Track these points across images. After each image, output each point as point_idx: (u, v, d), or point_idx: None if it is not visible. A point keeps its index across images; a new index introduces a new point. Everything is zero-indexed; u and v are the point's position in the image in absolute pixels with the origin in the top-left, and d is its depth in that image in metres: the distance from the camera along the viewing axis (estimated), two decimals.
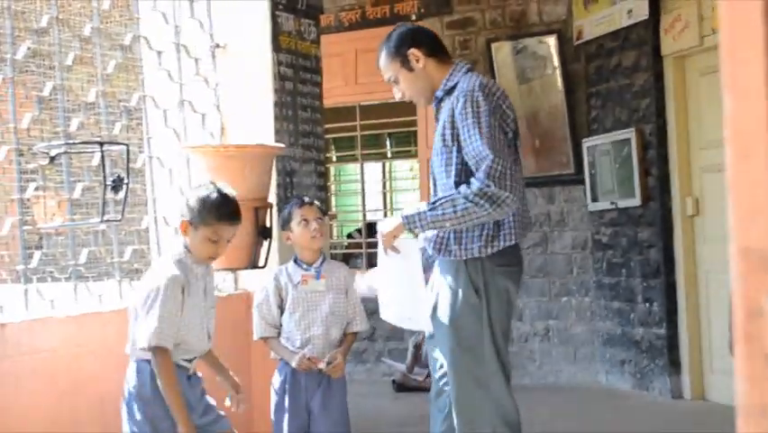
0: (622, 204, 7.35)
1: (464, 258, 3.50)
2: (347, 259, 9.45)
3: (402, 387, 7.60)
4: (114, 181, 3.92)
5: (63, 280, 4.49)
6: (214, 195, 3.35)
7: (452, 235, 3.50)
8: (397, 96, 3.74)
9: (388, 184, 11.41)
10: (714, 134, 6.44)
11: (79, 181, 4.25)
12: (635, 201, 7.16)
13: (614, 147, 7.36)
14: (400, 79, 3.65)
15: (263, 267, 4.27)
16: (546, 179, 8.09)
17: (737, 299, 1.10)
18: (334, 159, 10.93)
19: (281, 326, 4.14)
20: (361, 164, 9.61)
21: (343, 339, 4.19)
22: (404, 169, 11.81)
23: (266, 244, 4.26)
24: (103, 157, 3.89)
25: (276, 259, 4.42)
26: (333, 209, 10.71)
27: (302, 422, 4.11)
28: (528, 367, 8.16)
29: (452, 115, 3.48)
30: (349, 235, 10.70)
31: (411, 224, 3.44)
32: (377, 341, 8.50)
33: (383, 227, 3.61)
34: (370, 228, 10.63)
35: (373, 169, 11.26)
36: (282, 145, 4.62)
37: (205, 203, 3.32)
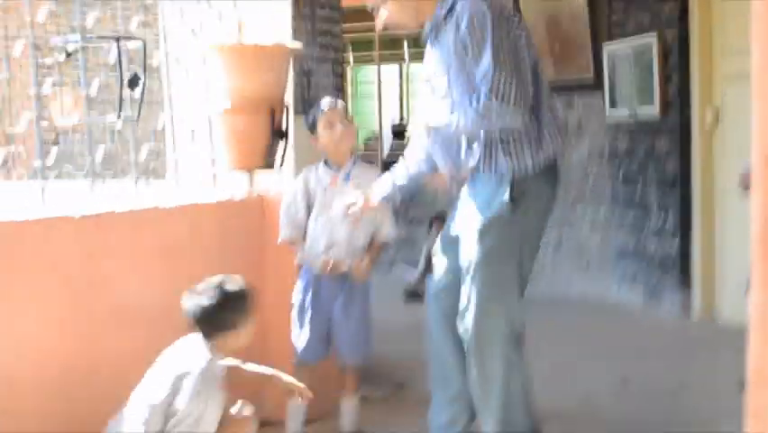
0: (641, 112, 7.27)
1: (513, 170, 3.43)
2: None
3: (413, 295, 7.64)
4: (130, 78, 3.90)
5: (80, 177, 4.49)
6: None
7: (500, 148, 3.44)
8: (379, 26, 3.59)
9: (405, 87, 11.32)
10: (738, 41, 6.28)
11: (96, 78, 4.22)
12: (654, 110, 7.08)
13: (635, 53, 7.24)
14: (386, 5, 3.48)
15: (279, 168, 4.26)
16: (565, 85, 7.99)
17: (755, 204, 1.10)
18: (352, 60, 10.83)
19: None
20: (378, 66, 9.51)
21: (371, 246, 4.17)
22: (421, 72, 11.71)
23: (281, 145, 4.24)
24: (119, 52, 3.86)
25: (291, 161, 4.41)
26: (350, 113, 10.65)
27: (324, 326, 4.13)
28: (539, 278, 8.17)
29: (453, 38, 3.34)
30: (365, 142, 10.66)
31: (406, 159, 3.56)
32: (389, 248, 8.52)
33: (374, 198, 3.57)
34: (394, 133, 10.60)
35: (390, 71, 11.15)
36: (300, 45, 4.57)
37: None
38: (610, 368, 5.63)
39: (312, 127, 4.16)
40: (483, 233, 3.44)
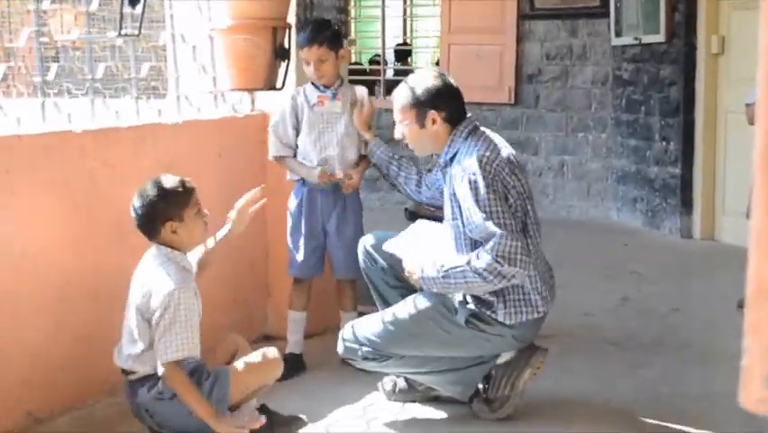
0: (646, 39, 7.22)
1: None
2: (367, 86, 9.35)
3: (414, 215, 7.66)
4: None
5: (80, 95, 4.47)
6: None
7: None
8: (397, 136, 3.68)
9: (409, 10, 11.21)
10: None
11: None
12: (660, 37, 7.03)
13: None
14: (409, 128, 3.59)
15: (280, 89, 4.25)
16: (570, 11, 7.93)
17: (760, 126, 1.09)
18: None
19: (296, 147, 4.16)
20: None
21: (360, 161, 4.21)
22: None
23: (283, 65, 4.22)
24: None
25: (293, 80, 4.39)
26: (353, 35, 10.55)
27: (318, 243, 4.19)
28: (541, 201, 8.20)
29: (455, 191, 3.49)
30: (370, 62, 10.58)
31: (426, 283, 3.47)
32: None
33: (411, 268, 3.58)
34: (396, 54, 10.53)
35: None
36: None
37: None
38: (611, 288, 5.69)
39: (299, 49, 4.14)
40: None
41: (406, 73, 9.82)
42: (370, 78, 9.57)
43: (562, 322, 4.54)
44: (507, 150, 3.54)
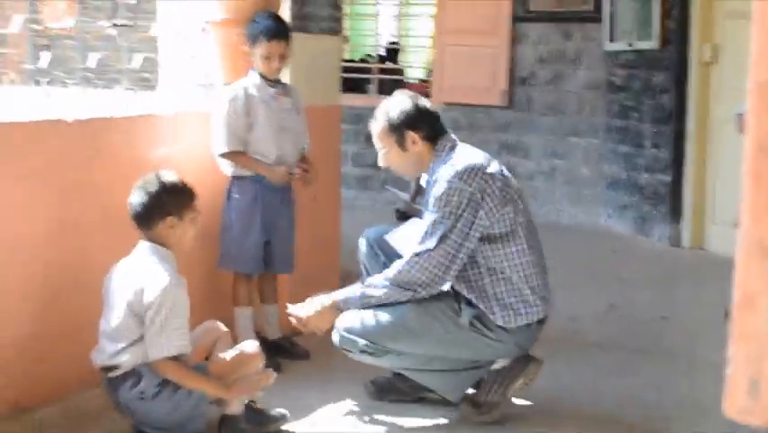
0: (639, 46, 7.23)
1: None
2: (359, 84, 9.34)
3: (405, 216, 7.64)
4: None
5: (71, 85, 4.45)
6: None
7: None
8: (381, 164, 3.75)
9: (403, 9, 11.19)
10: None
11: None
12: (653, 44, 7.04)
13: None
14: (390, 153, 3.65)
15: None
16: (564, 15, 7.93)
17: (749, 135, 1.09)
18: None
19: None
20: None
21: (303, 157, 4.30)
22: None
23: None
24: None
25: (286, 75, 4.38)
26: (347, 32, 10.53)
27: (266, 238, 4.22)
28: (531, 205, 8.17)
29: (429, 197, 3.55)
30: (362, 59, 10.55)
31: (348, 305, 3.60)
32: (381, 169, 8.52)
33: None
34: (388, 53, 10.51)
35: None
36: None
37: None
38: (598, 294, 5.70)
39: (252, 41, 4.11)
40: None
41: (396, 72, 9.80)
42: (360, 75, 9.53)
43: (548, 327, 4.51)
44: (488, 162, 3.57)
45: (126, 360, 3.19)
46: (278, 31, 4.08)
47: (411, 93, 3.80)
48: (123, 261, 3.29)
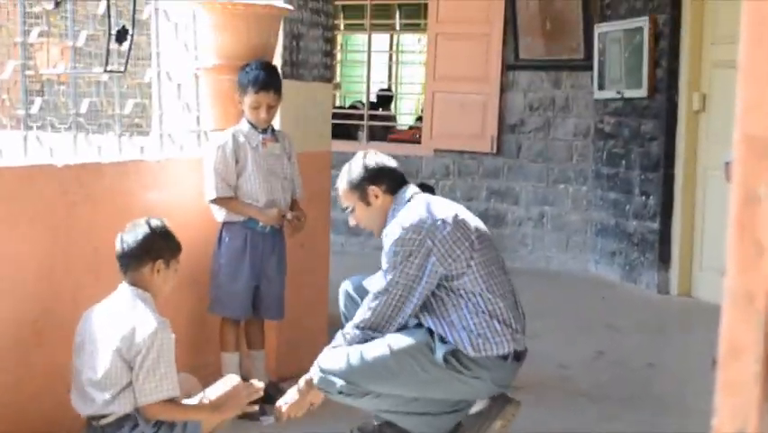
0: (628, 94, 7.29)
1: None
2: (349, 130, 9.38)
3: None
4: (118, 31, 3.87)
5: (63, 130, 4.46)
6: None
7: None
8: (351, 223, 3.81)
9: (395, 56, 11.29)
10: (728, 29, 6.32)
11: (84, 29, 4.18)
12: (642, 92, 7.11)
13: (626, 35, 7.26)
14: (357, 210, 3.71)
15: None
16: (554, 63, 8.00)
17: (736, 185, 1.10)
18: (342, 27, 10.79)
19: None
20: (369, 34, 9.48)
21: (293, 204, 4.33)
22: (412, 42, 11.66)
23: None
24: (109, 5, 3.83)
25: (277, 123, 4.40)
26: (338, 79, 10.60)
27: (255, 284, 4.24)
28: (520, 251, 8.23)
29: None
30: (352, 106, 10.62)
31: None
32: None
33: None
34: (378, 99, 10.58)
35: (381, 40, 11.12)
36: (290, 7, 4.55)
37: None
38: (586, 340, 5.69)
39: (241, 90, 4.15)
40: None
41: (386, 119, 9.87)
42: (350, 122, 9.58)
43: (536, 373, 4.53)
44: (446, 210, 3.58)
45: (118, 408, 3.17)
46: (266, 82, 4.12)
47: (370, 151, 3.87)
48: (101, 304, 3.27)
